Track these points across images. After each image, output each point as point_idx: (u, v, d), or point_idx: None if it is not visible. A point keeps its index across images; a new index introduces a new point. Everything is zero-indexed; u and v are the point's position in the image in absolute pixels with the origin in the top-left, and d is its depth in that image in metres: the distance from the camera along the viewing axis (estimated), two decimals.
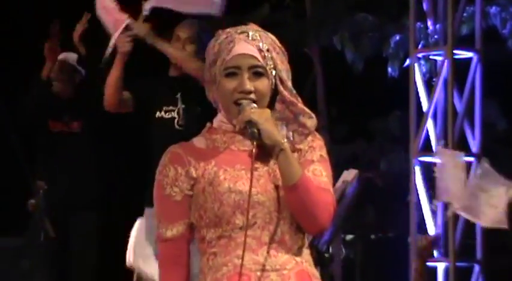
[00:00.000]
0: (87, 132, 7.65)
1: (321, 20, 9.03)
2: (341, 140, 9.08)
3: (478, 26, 7.44)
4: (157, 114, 6.31)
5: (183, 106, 6.28)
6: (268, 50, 3.34)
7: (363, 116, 9.06)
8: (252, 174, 3.28)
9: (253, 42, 3.34)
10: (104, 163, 7.97)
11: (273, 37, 3.40)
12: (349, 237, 7.80)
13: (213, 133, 3.38)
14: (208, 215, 3.33)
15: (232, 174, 3.32)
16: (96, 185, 7.74)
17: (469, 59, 7.34)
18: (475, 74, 7.32)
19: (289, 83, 3.37)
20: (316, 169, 3.42)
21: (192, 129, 4.66)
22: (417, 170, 7.29)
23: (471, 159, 7.23)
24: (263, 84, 3.31)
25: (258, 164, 3.33)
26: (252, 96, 3.31)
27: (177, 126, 6.01)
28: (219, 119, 3.40)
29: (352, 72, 8.88)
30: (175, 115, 6.33)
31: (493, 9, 8.18)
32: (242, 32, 3.34)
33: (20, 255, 7.68)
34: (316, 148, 3.44)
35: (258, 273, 3.30)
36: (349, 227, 7.27)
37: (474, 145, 7.31)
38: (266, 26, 8.88)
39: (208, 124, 3.43)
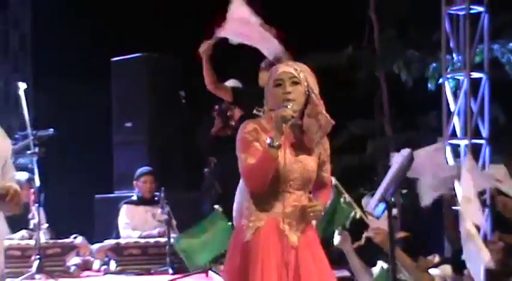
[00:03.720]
0: None
1: (386, 55, 8.83)
2: (398, 131, 8.87)
3: (486, 57, 7.41)
4: (254, 111, 6.12)
5: None
6: (301, 70, 3.44)
7: (412, 115, 8.81)
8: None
9: (290, 66, 3.48)
10: None
11: (305, 66, 3.49)
12: (404, 191, 7.39)
13: (272, 119, 3.41)
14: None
15: (282, 155, 3.38)
16: None
17: (481, 78, 7.32)
18: (485, 88, 7.30)
19: (316, 91, 3.44)
20: (327, 168, 3.56)
21: None
22: (448, 149, 7.21)
23: (482, 141, 7.22)
24: (298, 89, 3.42)
25: (301, 152, 3.42)
26: (291, 96, 3.40)
27: None
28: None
29: (405, 87, 8.76)
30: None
31: (496, 46, 7.89)
32: (287, 63, 3.54)
33: (199, 203, 7.88)
34: (326, 149, 3.54)
35: (285, 218, 3.42)
36: (404, 185, 6.67)
37: (484, 132, 7.29)
38: (351, 60, 8.97)
39: (270, 113, 3.46)
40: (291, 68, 3.47)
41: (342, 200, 5.11)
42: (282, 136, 3.32)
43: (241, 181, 3.49)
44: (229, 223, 5.72)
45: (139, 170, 7.72)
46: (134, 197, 7.66)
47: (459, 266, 5.08)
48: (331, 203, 5.00)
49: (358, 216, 5.03)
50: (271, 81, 3.47)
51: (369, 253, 5.08)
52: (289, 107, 3.36)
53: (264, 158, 3.33)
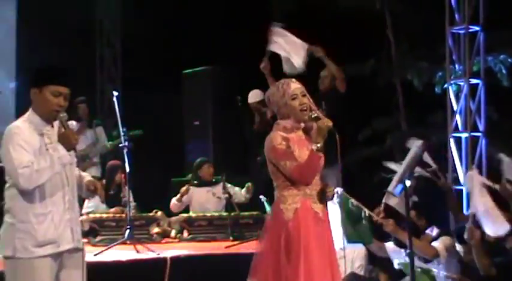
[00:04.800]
0: None
1: (401, 65, 8.77)
2: (411, 126, 8.81)
3: (482, 67, 7.38)
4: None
5: (326, 108, 5.91)
6: (302, 85, 3.58)
7: (423, 114, 8.73)
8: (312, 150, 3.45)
9: (296, 82, 3.56)
10: None
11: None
12: (416, 174, 7.24)
13: (287, 128, 3.52)
14: None
15: (303, 151, 3.50)
16: None
17: (478, 84, 7.31)
18: (481, 91, 7.30)
19: (311, 99, 3.58)
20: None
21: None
22: (452, 141, 7.27)
23: (479, 134, 7.21)
24: (307, 100, 3.54)
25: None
26: (306, 106, 3.50)
27: None
28: (290, 122, 3.51)
29: (417, 91, 8.64)
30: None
31: (490, 58, 7.89)
32: (291, 80, 3.57)
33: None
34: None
35: (311, 199, 3.54)
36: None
37: (481, 127, 7.27)
38: (373, 70, 8.87)
39: (282, 123, 3.50)
40: (298, 84, 3.53)
41: (349, 205, 4.95)
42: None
43: (275, 178, 3.50)
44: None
45: (199, 160, 7.72)
46: (196, 181, 7.63)
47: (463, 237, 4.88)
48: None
49: (367, 214, 4.88)
50: (288, 96, 3.48)
51: (382, 231, 5.01)
52: (317, 115, 3.42)
53: (312, 158, 3.41)
